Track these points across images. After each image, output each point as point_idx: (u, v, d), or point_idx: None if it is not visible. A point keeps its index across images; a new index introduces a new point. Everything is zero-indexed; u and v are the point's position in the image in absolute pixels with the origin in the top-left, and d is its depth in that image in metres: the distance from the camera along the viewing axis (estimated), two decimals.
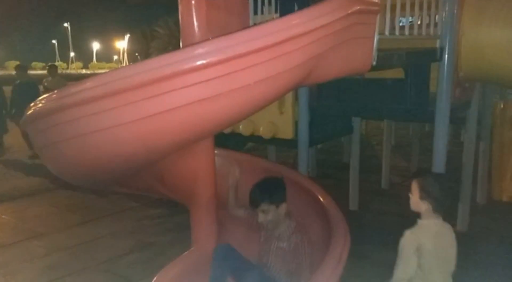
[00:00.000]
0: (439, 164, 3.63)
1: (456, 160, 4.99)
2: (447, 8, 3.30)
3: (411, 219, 2.29)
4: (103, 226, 5.01)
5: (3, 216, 5.42)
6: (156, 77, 1.79)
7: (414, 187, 2.25)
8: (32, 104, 2.21)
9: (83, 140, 2.02)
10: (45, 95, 2.12)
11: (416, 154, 7.16)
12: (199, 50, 1.81)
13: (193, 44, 1.88)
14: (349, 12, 2.10)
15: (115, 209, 5.46)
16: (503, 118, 4.98)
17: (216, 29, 2.79)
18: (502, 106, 5.04)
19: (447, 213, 2.29)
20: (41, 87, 8.43)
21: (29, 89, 7.79)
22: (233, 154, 3.90)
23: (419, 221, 2.26)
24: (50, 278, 3.82)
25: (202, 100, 1.89)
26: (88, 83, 1.91)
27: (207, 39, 2.09)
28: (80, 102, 1.91)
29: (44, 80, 8.71)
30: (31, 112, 2.23)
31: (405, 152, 7.78)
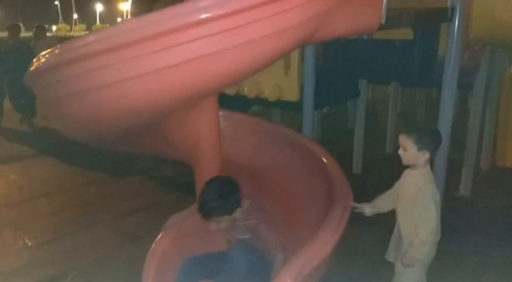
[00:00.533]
0: (444, 129, 3.60)
1: (461, 126, 4.96)
2: None
3: None
4: (108, 186, 5.10)
5: (11, 175, 5.52)
6: (159, 31, 1.76)
7: (408, 141, 2.30)
8: (35, 59, 2.19)
9: (87, 95, 2.01)
10: (48, 50, 2.09)
11: (422, 121, 7.12)
12: (203, 3, 1.76)
13: None
14: None
15: (119, 171, 5.53)
16: None
17: None
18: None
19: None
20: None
21: (22, 51, 7.28)
22: (238, 115, 3.90)
23: (420, 170, 2.34)
24: (58, 235, 3.93)
25: (207, 56, 1.86)
26: (91, 38, 1.88)
27: None
28: (83, 57, 1.88)
29: (31, 43, 8.00)
30: (34, 68, 2.21)
31: (411, 118, 7.73)
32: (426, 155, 2.29)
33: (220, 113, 3.04)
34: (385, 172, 5.38)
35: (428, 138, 2.32)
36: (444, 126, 3.60)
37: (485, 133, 5.21)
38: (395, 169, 2.52)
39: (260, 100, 4.52)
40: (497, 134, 5.22)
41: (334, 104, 7.35)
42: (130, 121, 2.30)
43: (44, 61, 2.11)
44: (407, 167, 2.41)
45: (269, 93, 4.36)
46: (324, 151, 3.27)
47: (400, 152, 2.36)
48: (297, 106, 4.26)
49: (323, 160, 3.17)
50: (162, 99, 2.05)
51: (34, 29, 8.15)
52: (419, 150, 2.29)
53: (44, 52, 2.11)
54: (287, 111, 5.55)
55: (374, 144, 6.28)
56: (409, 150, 2.31)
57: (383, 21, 2.43)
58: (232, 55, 1.88)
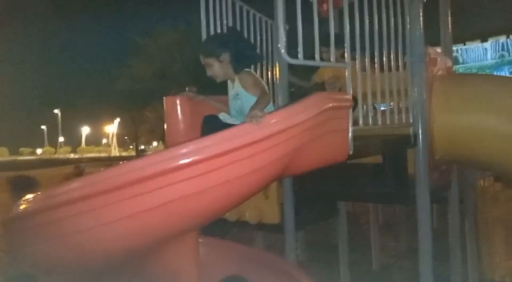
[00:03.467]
0: (425, 245, 3.64)
1: (444, 237, 4.99)
2: (416, 96, 3.53)
3: None
4: None
5: None
6: (138, 177, 1.85)
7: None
8: (13, 204, 2.23)
9: (66, 240, 2.02)
10: (27, 196, 2.15)
11: (404, 232, 7.13)
12: (182, 150, 1.90)
13: (177, 144, 1.97)
14: (322, 109, 2.25)
15: None
16: (485, 197, 5.07)
17: (199, 123, 2.93)
18: (482, 184, 5.16)
19: None
20: None
21: None
22: (218, 242, 3.86)
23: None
24: None
25: (185, 197, 1.94)
26: (73, 185, 1.96)
27: (190, 139, 2.19)
28: (63, 203, 1.94)
29: None
30: (14, 213, 2.24)
31: (394, 230, 7.74)
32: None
33: (200, 240, 3.02)
34: None
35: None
36: (425, 243, 3.63)
37: (468, 246, 5.22)
38: None
39: (241, 223, 4.52)
40: (479, 247, 5.24)
41: (315, 224, 7.37)
42: (108, 261, 2.27)
43: (21, 209, 2.15)
44: None
45: (250, 216, 4.39)
46: (309, 279, 3.21)
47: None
48: (278, 228, 4.27)
49: None
50: (142, 239, 2.07)
51: None
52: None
53: (20, 200, 2.16)
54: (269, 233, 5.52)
55: (360, 259, 6.18)
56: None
57: (351, 152, 2.61)
58: (209, 195, 1.97)
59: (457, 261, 4.63)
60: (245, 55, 2.51)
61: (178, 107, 2.75)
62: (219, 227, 4.56)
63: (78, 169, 9.15)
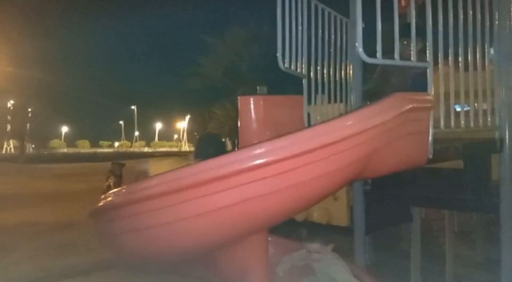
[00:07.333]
0: (508, 257, 3.38)
1: None
2: (503, 97, 3.27)
3: None
4: None
5: None
6: (214, 176, 1.90)
7: None
8: (102, 196, 2.39)
9: (145, 233, 2.13)
10: (114, 190, 2.29)
11: (482, 242, 6.67)
12: (257, 150, 1.92)
13: (251, 144, 1.99)
14: (401, 111, 2.16)
15: None
16: None
17: (272, 123, 2.95)
18: None
19: None
20: None
21: None
22: (286, 242, 3.86)
23: None
24: None
25: (259, 197, 1.96)
26: (153, 181, 2.05)
27: (264, 138, 2.21)
28: (144, 198, 2.04)
29: None
30: (100, 205, 2.40)
31: (470, 239, 7.26)
32: None
33: (268, 239, 3.04)
34: None
35: None
36: (508, 252, 3.38)
37: None
38: None
39: (308, 224, 4.48)
40: None
41: (386, 228, 7.10)
42: (183, 254, 2.36)
43: (108, 200, 2.30)
44: None
45: (317, 216, 4.34)
46: None
47: None
48: (347, 230, 4.18)
49: None
50: (214, 237, 2.13)
51: None
52: None
53: (109, 192, 2.31)
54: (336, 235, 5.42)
55: (433, 268, 5.87)
56: None
57: (430, 156, 2.48)
58: (284, 195, 1.97)
59: None
60: None
61: (252, 107, 2.77)
62: (286, 226, 4.56)
63: (117, 165, 9.53)
